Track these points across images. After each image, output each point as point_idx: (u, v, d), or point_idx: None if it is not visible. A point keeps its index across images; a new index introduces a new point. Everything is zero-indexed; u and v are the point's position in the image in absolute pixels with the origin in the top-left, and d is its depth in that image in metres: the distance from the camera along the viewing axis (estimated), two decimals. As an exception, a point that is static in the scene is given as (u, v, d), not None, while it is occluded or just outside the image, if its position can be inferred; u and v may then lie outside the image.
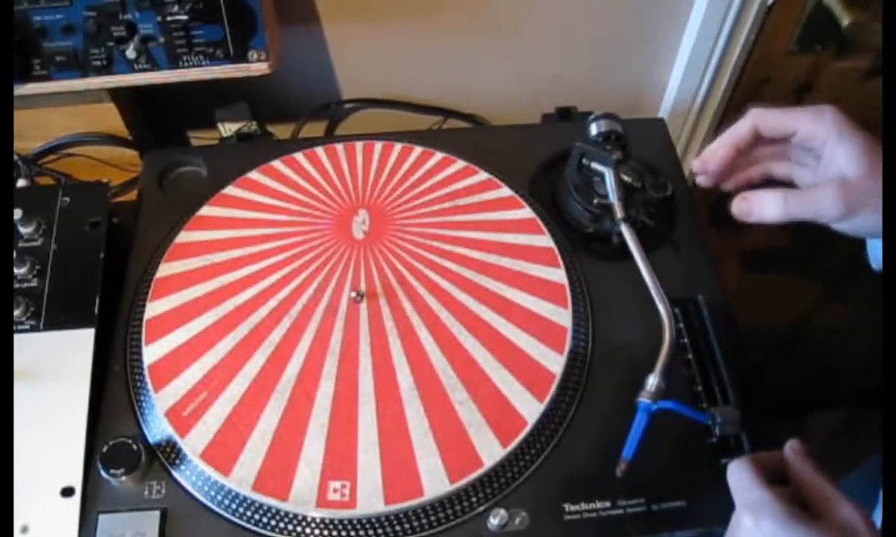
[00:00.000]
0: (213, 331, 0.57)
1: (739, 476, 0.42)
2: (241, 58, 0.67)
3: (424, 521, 0.49)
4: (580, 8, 0.80)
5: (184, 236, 0.63)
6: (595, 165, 0.62)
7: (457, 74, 0.85)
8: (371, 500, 0.49)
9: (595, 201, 0.62)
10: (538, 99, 0.77)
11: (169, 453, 0.52)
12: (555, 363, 0.55)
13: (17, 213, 0.60)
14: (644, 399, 0.49)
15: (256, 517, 0.49)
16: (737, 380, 0.56)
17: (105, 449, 0.50)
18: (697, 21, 0.80)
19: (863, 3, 0.75)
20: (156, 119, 0.83)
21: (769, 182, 0.55)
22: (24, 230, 0.60)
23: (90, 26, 0.63)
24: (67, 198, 0.63)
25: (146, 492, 0.50)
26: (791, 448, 0.44)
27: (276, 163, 0.68)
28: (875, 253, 0.53)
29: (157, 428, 0.53)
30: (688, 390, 0.56)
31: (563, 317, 0.57)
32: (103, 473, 0.50)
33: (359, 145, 0.70)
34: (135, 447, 0.50)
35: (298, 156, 0.69)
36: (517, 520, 0.49)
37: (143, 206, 0.67)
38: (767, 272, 1.09)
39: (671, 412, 0.49)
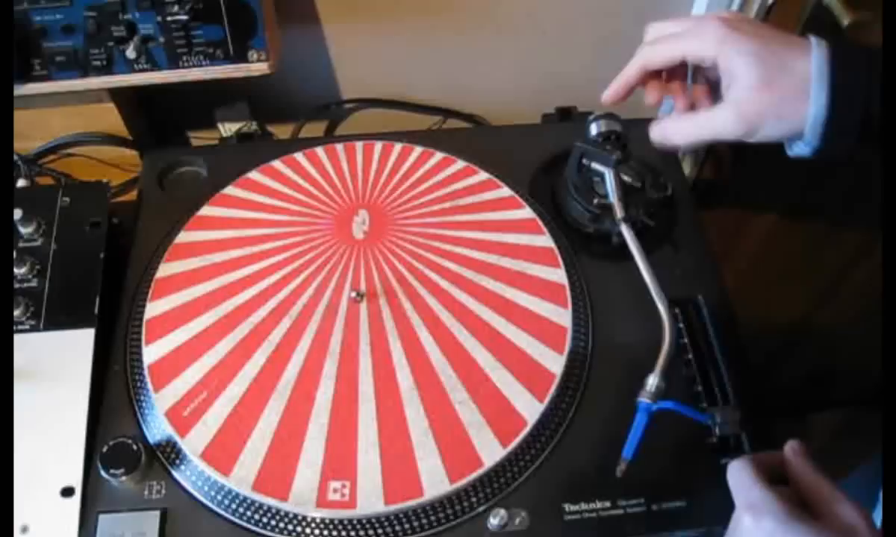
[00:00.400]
0: (213, 331, 0.57)
1: (740, 475, 0.42)
2: (241, 58, 0.67)
3: (424, 521, 0.49)
4: (580, 8, 0.80)
5: (184, 236, 0.63)
6: (595, 165, 0.62)
7: (457, 74, 0.85)
8: (371, 500, 0.49)
9: (595, 201, 0.62)
10: (538, 99, 0.77)
11: (169, 453, 0.52)
12: (555, 363, 0.55)
13: (17, 213, 0.60)
14: (644, 399, 0.49)
15: (256, 517, 0.49)
16: (737, 380, 0.56)
17: (105, 449, 0.50)
18: (697, 21, 0.80)
19: (863, 3, 0.75)
20: (156, 119, 0.83)
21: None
22: (24, 230, 0.60)
23: (90, 26, 0.63)
24: (67, 198, 0.63)
25: (146, 492, 0.50)
26: (791, 448, 0.44)
27: (276, 163, 0.68)
28: (793, 148, 0.49)
29: (157, 428, 0.53)
30: (688, 390, 0.56)
31: (563, 317, 0.57)
32: (103, 473, 0.50)
33: (359, 145, 0.70)
34: (135, 447, 0.50)
35: (298, 156, 0.69)
36: (517, 520, 0.49)
37: (143, 206, 0.67)
38: (767, 272, 1.09)
39: (671, 412, 0.49)
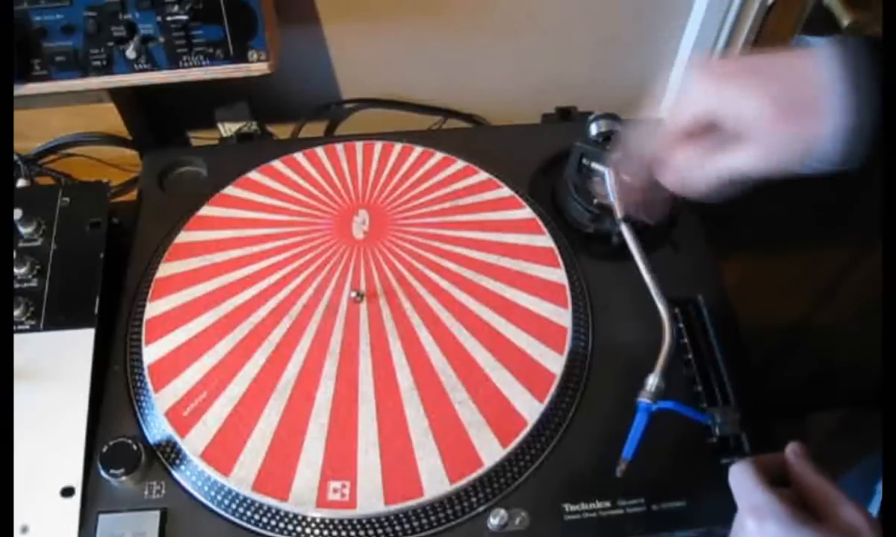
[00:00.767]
0: (213, 331, 0.57)
1: (742, 478, 0.42)
2: (241, 58, 0.67)
3: (424, 521, 0.49)
4: (580, 8, 0.80)
5: (184, 236, 0.63)
6: (595, 165, 0.62)
7: (457, 74, 0.85)
8: (371, 500, 0.49)
9: (595, 201, 0.62)
10: (538, 99, 0.77)
11: (169, 453, 0.52)
12: (555, 363, 0.55)
13: (17, 213, 0.60)
14: (644, 399, 0.49)
15: (256, 517, 0.49)
16: (737, 380, 0.56)
17: (105, 449, 0.50)
18: (697, 21, 0.80)
19: (863, 3, 0.75)
20: (156, 119, 0.83)
21: None
22: (24, 230, 0.60)
23: (90, 26, 0.63)
24: (67, 198, 0.63)
25: (146, 492, 0.50)
26: (792, 450, 0.43)
27: (276, 164, 0.68)
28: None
29: (157, 428, 0.53)
30: (688, 390, 0.56)
31: (563, 317, 0.57)
32: (103, 473, 0.50)
33: (359, 145, 0.70)
34: (135, 447, 0.50)
35: (298, 156, 0.69)
36: (517, 520, 0.49)
37: (143, 206, 0.67)
38: (767, 272, 1.09)
39: (671, 412, 0.49)
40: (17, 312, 0.56)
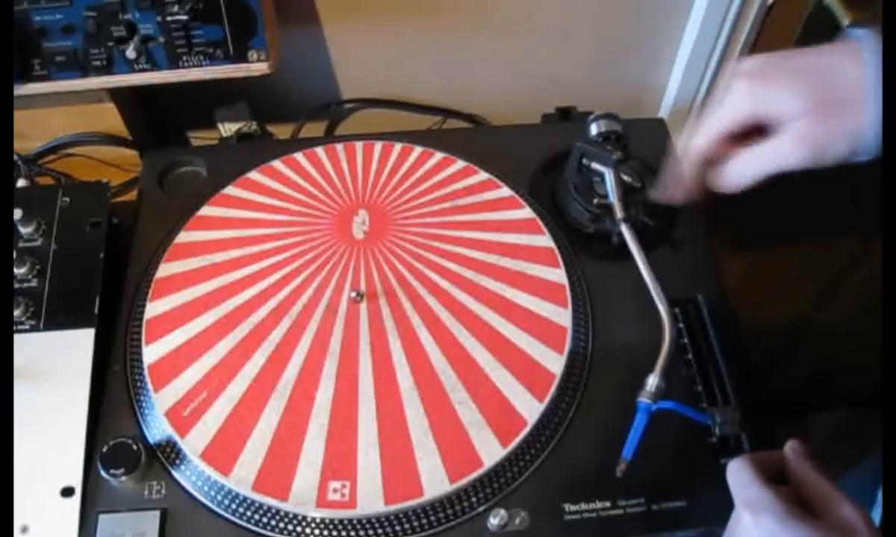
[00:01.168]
0: (213, 331, 0.57)
1: (739, 474, 0.42)
2: (241, 58, 0.67)
3: (424, 521, 0.49)
4: (580, 8, 0.80)
5: (184, 236, 0.63)
6: (595, 165, 0.62)
7: (456, 74, 0.85)
8: (371, 500, 0.49)
9: (595, 201, 0.62)
10: (538, 99, 0.77)
11: (169, 453, 0.52)
12: (555, 363, 0.55)
13: (17, 213, 0.60)
14: (644, 399, 0.49)
15: (256, 517, 0.49)
16: (737, 380, 0.56)
17: (105, 449, 0.50)
18: (697, 21, 0.80)
19: (863, 3, 0.75)
20: (156, 119, 0.83)
21: None
22: (24, 230, 0.60)
23: (90, 26, 0.63)
24: (67, 198, 0.63)
25: (146, 492, 0.50)
26: (791, 448, 0.44)
27: (276, 163, 0.68)
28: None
29: (157, 428, 0.53)
30: (688, 390, 0.56)
31: (563, 317, 0.57)
32: (103, 473, 0.50)
33: (359, 145, 0.70)
34: (135, 447, 0.50)
35: (298, 156, 0.69)
36: (517, 520, 0.49)
37: (143, 206, 0.67)
38: (767, 272, 1.09)
39: (671, 412, 0.49)
40: (17, 312, 0.56)
